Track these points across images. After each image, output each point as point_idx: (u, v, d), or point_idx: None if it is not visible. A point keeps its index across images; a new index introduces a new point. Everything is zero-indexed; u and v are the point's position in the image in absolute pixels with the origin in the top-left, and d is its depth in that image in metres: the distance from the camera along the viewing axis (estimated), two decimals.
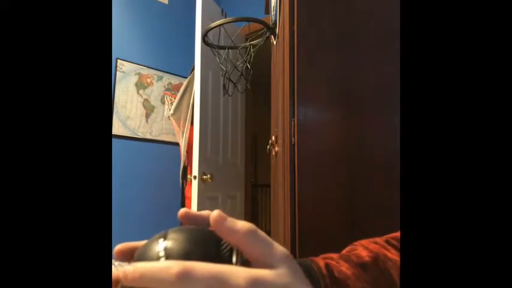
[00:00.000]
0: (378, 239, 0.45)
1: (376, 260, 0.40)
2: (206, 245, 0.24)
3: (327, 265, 0.38)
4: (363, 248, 0.42)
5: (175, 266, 0.20)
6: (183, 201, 2.65)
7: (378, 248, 0.42)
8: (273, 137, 1.40)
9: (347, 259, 0.40)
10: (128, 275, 0.21)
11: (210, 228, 0.26)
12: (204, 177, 2.01)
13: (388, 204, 0.85)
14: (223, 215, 0.24)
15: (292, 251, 0.84)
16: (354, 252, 0.42)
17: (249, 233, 0.23)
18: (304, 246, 0.82)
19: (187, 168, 2.59)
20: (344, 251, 0.44)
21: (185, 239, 0.24)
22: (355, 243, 0.45)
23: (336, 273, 0.37)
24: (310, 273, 0.36)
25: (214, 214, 0.24)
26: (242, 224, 0.24)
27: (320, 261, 0.39)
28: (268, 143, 1.52)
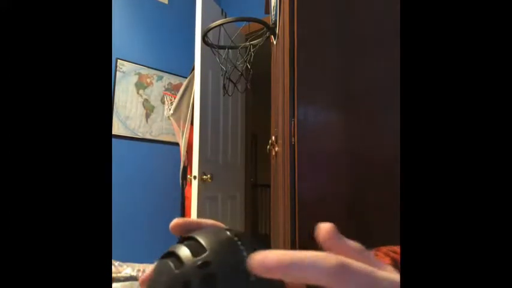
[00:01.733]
0: (395, 248, 0.45)
1: (398, 268, 0.40)
2: None
3: None
4: (383, 255, 0.42)
5: (334, 257, 0.18)
6: (183, 201, 2.65)
7: (398, 257, 0.42)
8: (273, 137, 1.40)
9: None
10: (270, 263, 0.18)
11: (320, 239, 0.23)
12: (204, 177, 2.01)
13: (389, 204, 0.85)
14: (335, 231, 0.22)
15: None
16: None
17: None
18: (304, 246, 0.82)
19: (187, 168, 2.59)
20: None
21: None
22: (374, 250, 0.45)
23: None
24: None
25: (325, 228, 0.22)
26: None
27: None
28: (268, 143, 1.52)
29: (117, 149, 2.59)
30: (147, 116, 2.82)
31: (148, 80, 2.85)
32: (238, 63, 1.82)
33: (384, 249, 0.45)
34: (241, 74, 1.86)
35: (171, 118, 2.66)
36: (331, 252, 0.22)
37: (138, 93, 2.78)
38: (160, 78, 2.93)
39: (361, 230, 0.85)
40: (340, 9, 0.93)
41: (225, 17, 2.36)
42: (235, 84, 1.87)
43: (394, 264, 0.41)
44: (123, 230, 2.46)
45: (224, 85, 1.84)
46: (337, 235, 0.22)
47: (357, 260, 0.21)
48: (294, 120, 0.88)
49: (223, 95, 2.27)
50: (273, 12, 1.49)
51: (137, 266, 0.82)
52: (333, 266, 0.18)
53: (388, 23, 0.92)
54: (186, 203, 2.56)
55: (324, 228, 0.22)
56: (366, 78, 0.91)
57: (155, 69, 2.90)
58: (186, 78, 2.81)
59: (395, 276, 0.20)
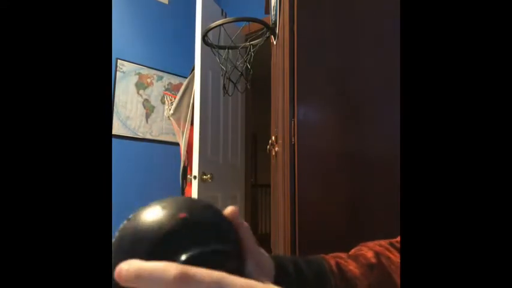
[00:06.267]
0: (382, 242, 0.45)
1: (381, 261, 0.41)
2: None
3: (338, 264, 0.39)
4: (368, 249, 0.43)
5: (174, 267, 0.19)
6: None
7: (382, 250, 0.43)
8: (273, 137, 1.40)
9: (355, 259, 0.41)
10: (122, 273, 0.20)
11: None
12: (204, 177, 2.01)
13: (388, 204, 0.85)
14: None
15: (292, 251, 0.84)
16: (360, 252, 0.43)
17: None
18: (304, 246, 0.82)
19: (187, 168, 2.59)
20: (351, 252, 0.44)
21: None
22: (361, 244, 0.46)
23: (345, 272, 0.38)
24: (321, 270, 0.37)
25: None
26: None
27: (331, 259, 0.39)
28: (268, 143, 1.52)
29: (117, 149, 2.59)
30: (147, 116, 2.82)
31: (148, 80, 2.85)
32: (238, 63, 1.82)
33: (371, 243, 0.45)
34: (241, 74, 1.86)
35: (171, 118, 2.66)
36: None
37: (138, 93, 2.78)
38: (160, 78, 2.93)
39: (361, 229, 0.85)
40: (340, 9, 0.93)
41: (225, 17, 2.36)
42: (235, 84, 1.87)
43: (376, 256, 0.41)
44: None
45: (224, 85, 1.84)
46: (237, 213, 0.27)
47: (244, 235, 0.27)
48: (294, 120, 0.88)
49: (223, 95, 2.27)
50: (273, 12, 1.49)
51: None
52: (172, 277, 0.19)
53: (387, 23, 0.92)
54: None
55: (228, 208, 0.27)
56: (365, 78, 0.91)
57: (155, 69, 2.90)
58: (186, 78, 2.80)
59: (248, 282, 0.20)
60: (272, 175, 1.64)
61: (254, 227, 3.94)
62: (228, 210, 0.28)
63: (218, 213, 0.27)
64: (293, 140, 0.87)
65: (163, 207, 0.25)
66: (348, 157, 0.88)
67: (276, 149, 1.27)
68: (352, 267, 0.39)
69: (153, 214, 0.25)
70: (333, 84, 0.90)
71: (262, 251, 0.31)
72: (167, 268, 0.20)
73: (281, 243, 1.00)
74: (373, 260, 0.41)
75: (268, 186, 2.13)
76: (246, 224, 0.29)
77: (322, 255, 0.41)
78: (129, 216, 0.26)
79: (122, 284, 0.20)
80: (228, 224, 0.27)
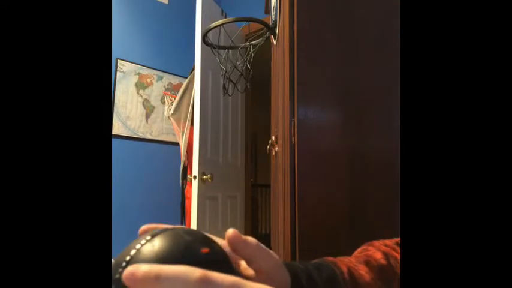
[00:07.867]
0: (387, 241, 0.45)
1: (390, 263, 0.40)
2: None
3: (349, 270, 0.38)
4: (375, 250, 0.42)
5: (197, 270, 0.20)
6: (183, 201, 2.65)
7: (389, 250, 0.42)
8: (273, 137, 1.40)
9: (366, 262, 0.40)
10: (138, 274, 0.20)
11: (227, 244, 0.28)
12: (204, 177, 2.01)
13: (388, 204, 0.85)
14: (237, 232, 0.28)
15: (292, 251, 0.84)
16: (368, 253, 0.42)
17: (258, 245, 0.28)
18: (304, 246, 0.82)
19: (187, 168, 2.59)
20: (356, 253, 0.43)
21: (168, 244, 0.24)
22: (366, 244, 0.45)
23: (357, 278, 0.38)
24: (333, 279, 0.36)
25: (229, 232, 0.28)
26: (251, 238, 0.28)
27: (342, 265, 0.38)
28: (268, 143, 1.52)
29: (118, 149, 2.59)
30: (147, 116, 2.82)
31: (148, 80, 2.85)
32: (238, 63, 1.82)
33: (376, 243, 0.45)
34: (241, 74, 1.86)
35: (171, 118, 2.66)
36: (237, 251, 0.27)
37: (138, 93, 2.78)
38: (160, 78, 2.93)
39: (361, 229, 0.85)
40: (340, 10, 0.93)
41: (225, 17, 2.36)
42: (235, 84, 1.87)
43: (385, 257, 0.41)
44: (123, 229, 2.46)
45: (224, 85, 1.84)
46: (238, 237, 0.27)
47: (253, 254, 0.28)
48: (294, 120, 0.88)
49: (223, 95, 2.27)
50: (273, 12, 1.49)
51: None
52: (195, 279, 0.19)
53: (387, 23, 0.92)
54: (186, 203, 2.56)
55: (228, 233, 0.28)
56: (365, 78, 0.91)
57: (155, 69, 2.90)
58: (186, 78, 2.80)
59: (263, 286, 0.21)
60: (272, 175, 1.64)
61: (254, 227, 3.94)
62: (229, 234, 0.27)
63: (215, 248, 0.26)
64: (293, 140, 0.87)
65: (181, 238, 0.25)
66: (348, 157, 0.88)
67: (276, 149, 1.27)
68: (363, 271, 0.38)
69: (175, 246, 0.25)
70: (333, 84, 0.90)
71: (279, 262, 0.30)
72: (190, 270, 0.20)
73: (281, 243, 1.00)
74: (383, 261, 0.40)
75: (268, 186, 2.13)
76: (253, 241, 0.28)
77: (332, 259, 0.40)
78: (142, 241, 0.25)
79: (132, 285, 0.20)
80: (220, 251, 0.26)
